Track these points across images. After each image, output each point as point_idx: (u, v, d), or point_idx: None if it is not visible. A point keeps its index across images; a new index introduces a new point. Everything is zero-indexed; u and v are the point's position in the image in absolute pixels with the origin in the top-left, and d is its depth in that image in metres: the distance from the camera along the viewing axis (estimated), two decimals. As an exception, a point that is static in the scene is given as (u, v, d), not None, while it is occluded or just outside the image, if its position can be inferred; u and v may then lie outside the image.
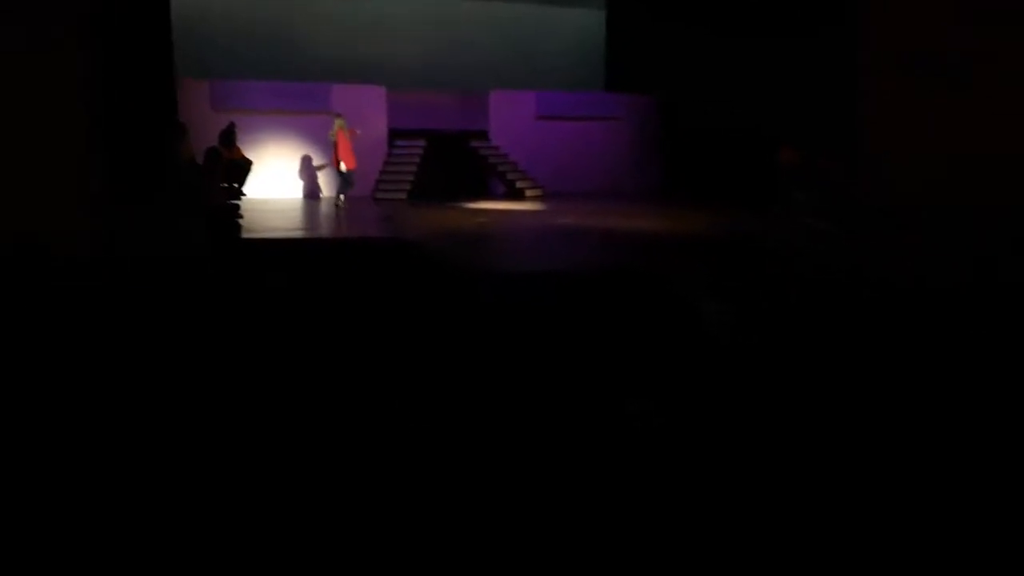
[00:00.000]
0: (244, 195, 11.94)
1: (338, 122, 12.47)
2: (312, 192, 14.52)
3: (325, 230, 10.14)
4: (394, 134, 14.88)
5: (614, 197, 15.10)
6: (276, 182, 14.29)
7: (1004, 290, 6.37)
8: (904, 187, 11.08)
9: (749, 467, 2.92)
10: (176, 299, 6.26)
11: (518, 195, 14.82)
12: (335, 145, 12.47)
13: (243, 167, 11.96)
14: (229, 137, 11.50)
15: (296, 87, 14.38)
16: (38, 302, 6.01)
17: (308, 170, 14.55)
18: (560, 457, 3.05)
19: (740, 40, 14.73)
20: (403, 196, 14.19)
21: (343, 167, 12.48)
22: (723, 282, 6.94)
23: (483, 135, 15.62)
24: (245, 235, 9.39)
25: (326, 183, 14.35)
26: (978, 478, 2.80)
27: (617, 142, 16.64)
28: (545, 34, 17.62)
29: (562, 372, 4.24)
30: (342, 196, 12.69)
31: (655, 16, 16.10)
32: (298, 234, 9.47)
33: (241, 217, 9.89)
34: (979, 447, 3.16)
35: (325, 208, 12.84)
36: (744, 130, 14.60)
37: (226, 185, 11.31)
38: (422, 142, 14.89)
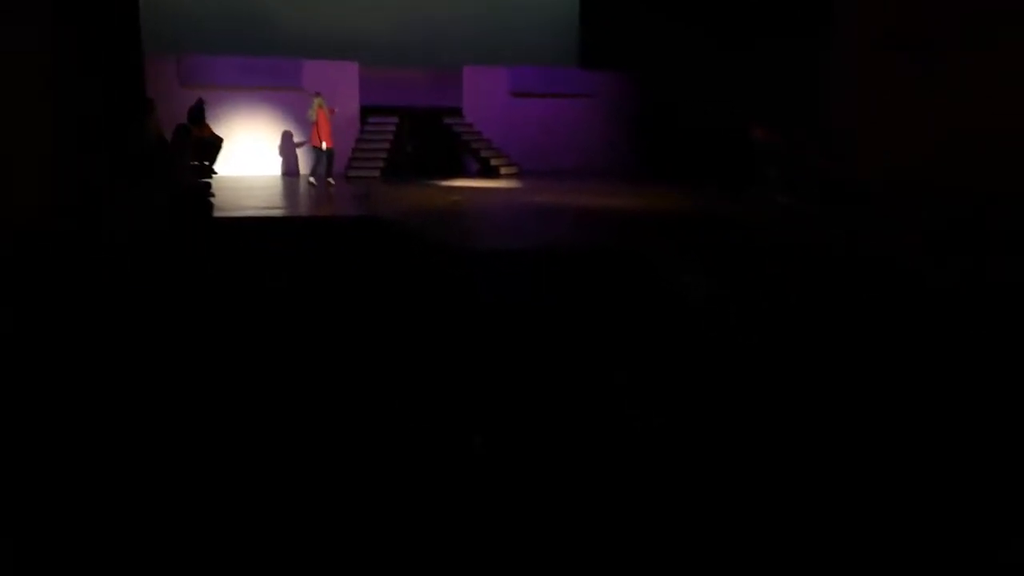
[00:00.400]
0: (215, 173, 11.75)
1: (317, 100, 12.27)
2: (290, 170, 14.35)
3: (297, 208, 10.03)
4: (367, 111, 14.71)
5: (588, 175, 15.10)
6: (248, 159, 14.08)
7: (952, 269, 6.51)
8: (871, 163, 11.26)
9: (740, 456, 2.96)
10: (136, 272, 6.18)
11: (492, 173, 14.75)
12: (314, 124, 12.28)
13: (213, 145, 11.76)
14: (198, 114, 11.30)
15: (267, 63, 14.13)
16: None
17: (287, 147, 14.35)
18: (548, 439, 3.07)
19: (714, 17, 14.75)
20: (376, 174, 14.06)
21: (324, 146, 12.30)
22: (697, 256, 7.02)
23: (457, 112, 15.50)
24: (217, 214, 9.26)
25: (304, 161, 14.19)
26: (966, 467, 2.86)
27: (591, 119, 16.61)
28: (518, 10, 17.46)
29: (544, 348, 4.26)
30: (312, 178, 12.52)
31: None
32: (271, 213, 9.36)
33: (212, 195, 9.75)
34: (948, 420, 3.23)
35: (300, 186, 12.70)
36: (718, 107, 14.65)
37: (196, 163, 11.13)
38: (395, 119, 14.74)
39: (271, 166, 14.36)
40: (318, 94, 12.46)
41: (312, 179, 12.52)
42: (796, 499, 2.57)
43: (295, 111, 14.10)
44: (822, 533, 2.31)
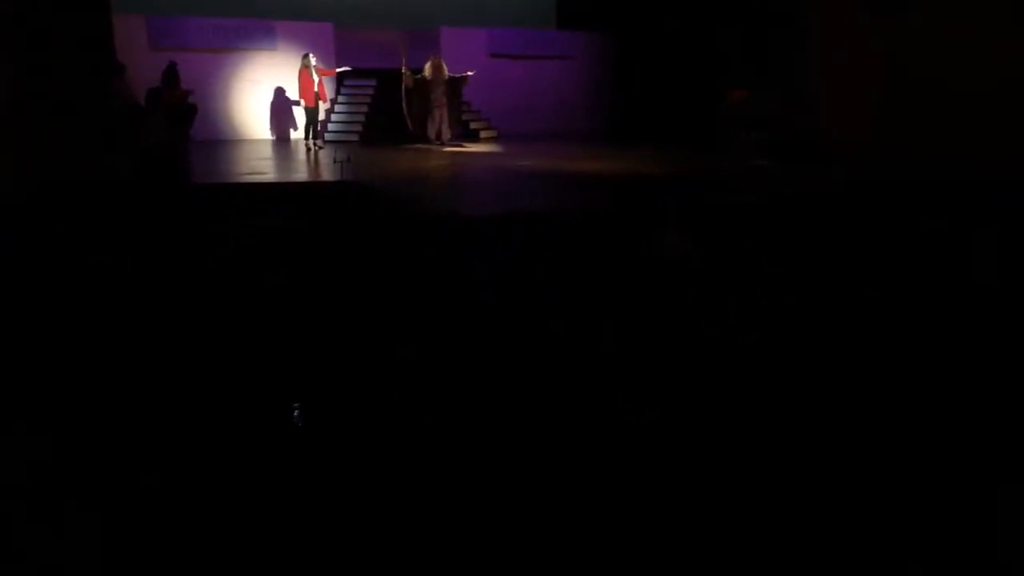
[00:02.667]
0: (191, 138, 11.51)
1: (303, 61, 12.07)
2: (268, 132, 14.13)
3: (277, 173, 9.87)
4: (343, 74, 14.44)
5: (568, 138, 15.01)
6: (224, 123, 13.81)
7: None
8: (843, 124, 11.31)
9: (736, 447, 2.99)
10: (104, 237, 6.10)
11: (472, 136, 14.60)
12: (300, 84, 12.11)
13: (186, 110, 11.48)
14: (170, 77, 10.99)
15: (239, 23, 13.79)
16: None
17: (263, 110, 14.08)
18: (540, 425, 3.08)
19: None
20: (355, 138, 13.87)
21: (302, 104, 12.17)
22: (676, 217, 7.05)
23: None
24: (193, 179, 9.10)
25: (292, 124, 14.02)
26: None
27: (570, 81, 16.47)
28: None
29: (535, 315, 4.26)
30: (312, 138, 12.29)
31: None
32: (247, 178, 9.20)
33: (183, 158, 9.57)
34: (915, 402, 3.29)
35: (286, 149, 12.53)
36: (695, 69, 14.60)
37: (170, 126, 10.87)
38: (373, 82, 14.50)
39: (249, 129, 14.10)
40: (306, 55, 12.23)
41: (310, 142, 12.28)
42: (794, 495, 2.61)
43: (270, 73, 13.83)
44: (820, 531, 2.34)
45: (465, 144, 13.62)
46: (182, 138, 10.89)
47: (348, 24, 14.71)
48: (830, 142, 11.33)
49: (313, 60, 12.13)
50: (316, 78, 12.03)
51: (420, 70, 12.99)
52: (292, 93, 13.26)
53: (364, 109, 14.30)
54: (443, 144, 13.07)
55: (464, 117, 14.85)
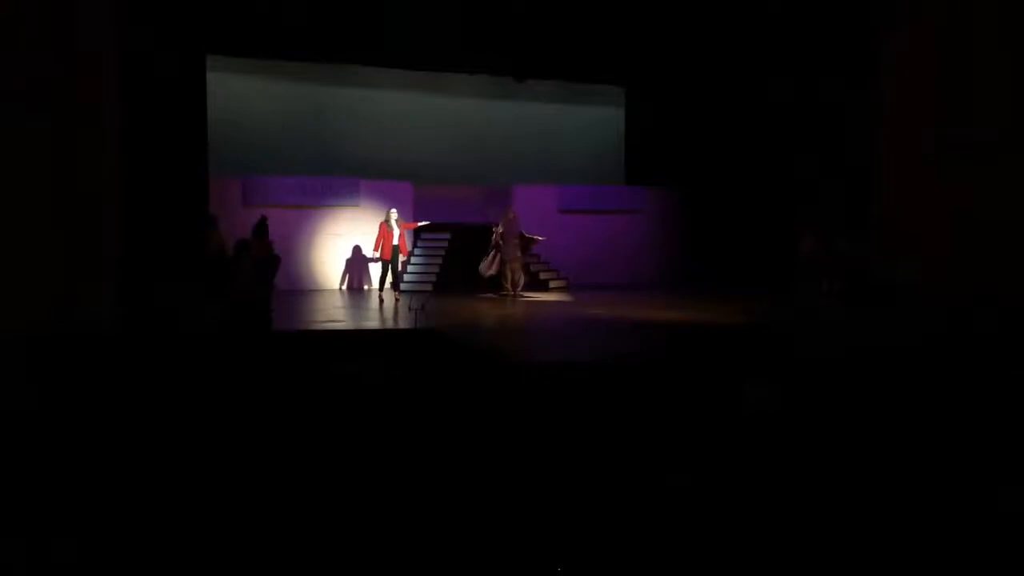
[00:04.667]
0: (274, 288, 12.00)
1: (386, 216, 12.66)
2: (349, 284, 14.68)
3: (354, 322, 10.14)
4: (420, 228, 15.10)
5: (638, 288, 15.11)
6: (307, 274, 14.45)
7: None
8: (925, 268, 11.06)
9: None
10: (189, 372, 6.26)
11: (542, 286, 14.85)
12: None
13: (269, 262, 12.05)
14: (260, 230, 11.66)
15: (324, 182, 14.72)
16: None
17: (346, 262, 14.72)
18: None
19: (755, 129, 15.10)
20: (429, 288, 14.27)
21: (377, 256, 12.64)
22: (763, 367, 6.83)
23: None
24: (277, 327, 9.41)
25: (369, 275, 14.56)
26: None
27: (638, 234, 16.79)
28: (566, 130, 18.11)
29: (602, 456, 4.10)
30: (387, 288, 12.58)
31: (672, 110, 16.57)
32: (331, 326, 9.47)
33: (271, 308, 9.94)
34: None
35: (362, 299, 12.92)
36: (765, 218, 14.76)
37: (257, 276, 11.39)
38: (448, 235, 15.07)
39: (329, 280, 14.68)
40: (390, 210, 12.83)
41: (383, 292, 12.62)
42: None
43: (352, 227, 14.54)
44: None
45: (534, 294, 13.83)
46: (267, 286, 11.37)
47: (426, 182, 15.52)
48: (909, 289, 11.05)
49: (395, 215, 12.66)
50: (396, 231, 12.48)
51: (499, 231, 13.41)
52: (370, 246, 13.74)
53: (439, 260, 14.79)
54: (516, 295, 13.30)
55: (533, 268, 15.19)
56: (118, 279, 8.86)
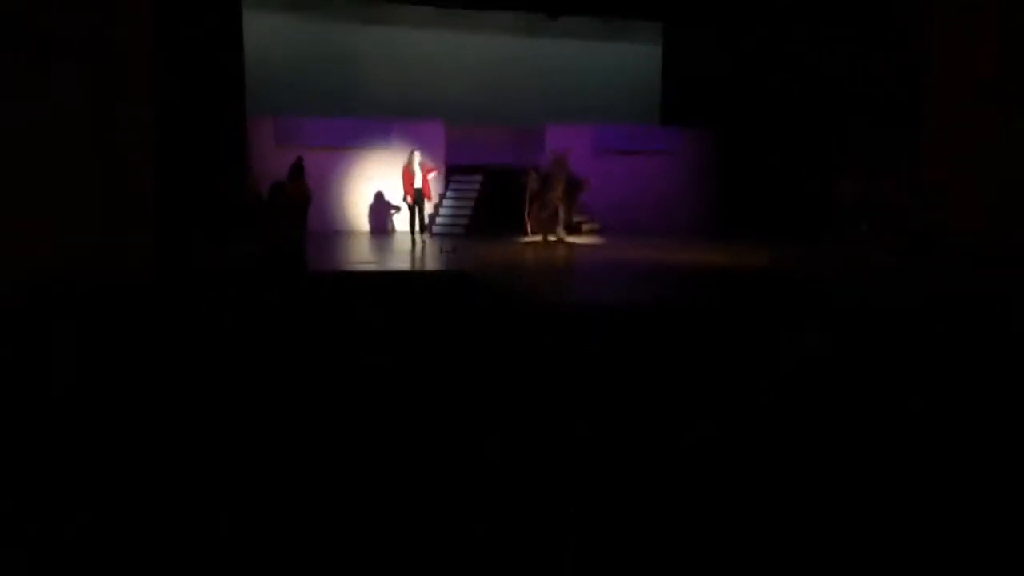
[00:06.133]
0: (306, 230, 12.06)
1: (408, 158, 12.36)
2: (378, 226, 14.65)
3: (386, 263, 10.18)
4: (452, 169, 14.97)
5: (672, 232, 14.93)
6: (340, 215, 14.50)
7: None
8: (966, 217, 10.69)
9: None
10: (228, 322, 6.35)
11: (575, 230, 14.71)
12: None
13: (304, 204, 12.07)
14: (296, 171, 11.67)
15: (357, 123, 14.63)
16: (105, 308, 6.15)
17: (377, 204, 14.69)
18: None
19: (795, 71, 14.56)
20: (461, 231, 14.23)
21: (407, 200, 12.33)
22: (816, 318, 6.69)
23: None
24: (311, 269, 9.48)
25: (399, 218, 14.38)
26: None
27: (674, 176, 16.48)
28: (600, 68, 17.64)
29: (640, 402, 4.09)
30: (420, 232, 12.26)
31: (711, 49, 16.04)
32: (361, 267, 9.52)
33: (304, 249, 10.01)
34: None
35: (390, 242, 12.92)
36: (802, 161, 14.36)
37: (291, 218, 11.45)
38: (480, 177, 14.95)
39: (359, 222, 14.72)
40: (412, 152, 12.54)
41: (414, 236, 12.27)
42: None
43: (383, 169, 14.47)
44: None
45: (569, 237, 13.73)
46: (300, 229, 11.43)
47: (457, 122, 15.32)
48: (949, 237, 10.72)
49: (418, 158, 12.30)
50: (419, 174, 12.17)
51: (545, 174, 12.72)
52: (398, 189, 13.47)
53: (471, 203, 14.71)
54: (554, 241, 12.86)
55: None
56: (156, 224, 8.99)
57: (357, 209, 14.71)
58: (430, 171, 12.85)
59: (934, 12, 11.51)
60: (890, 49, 12.58)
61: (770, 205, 14.93)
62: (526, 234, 12.96)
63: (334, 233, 14.01)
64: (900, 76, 12.35)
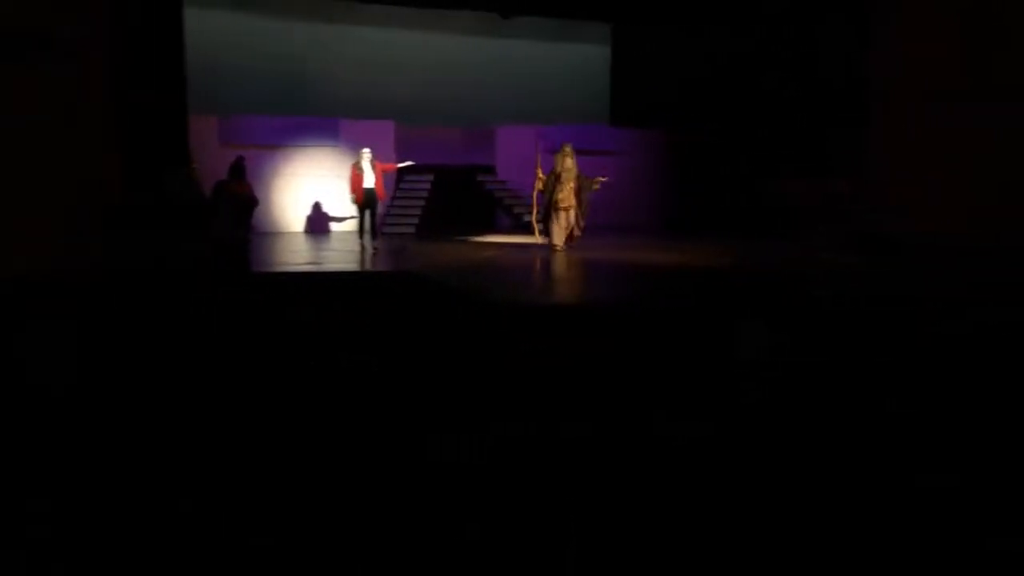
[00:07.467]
0: (251, 230, 11.80)
1: (357, 157, 11.78)
2: (326, 227, 14.44)
3: (334, 264, 10.02)
4: (402, 169, 14.83)
5: (623, 230, 15.02)
6: (286, 216, 14.25)
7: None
8: (918, 216, 10.92)
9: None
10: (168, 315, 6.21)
11: (525, 228, 14.71)
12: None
13: (247, 203, 11.78)
14: (237, 171, 11.40)
15: (303, 121, 14.41)
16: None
17: (325, 204, 14.49)
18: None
19: (744, 72, 14.80)
20: (411, 231, 14.11)
21: (352, 200, 11.75)
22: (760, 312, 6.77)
23: (491, 170, 15.59)
24: (256, 269, 9.29)
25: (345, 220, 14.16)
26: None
27: (624, 175, 16.58)
28: (551, 69, 17.69)
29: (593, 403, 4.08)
30: (366, 234, 11.48)
31: (659, 49, 16.21)
32: (309, 268, 9.36)
33: (247, 250, 9.81)
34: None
35: (336, 243, 12.74)
36: (753, 161, 14.59)
37: (231, 219, 11.21)
38: (430, 177, 14.85)
39: (306, 222, 14.50)
40: (363, 150, 11.92)
41: (362, 240, 11.52)
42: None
43: (332, 169, 14.28)
44: None
45: (519, 238, 13.72)
46: (245, 229, 11.19)
47: (407, 122, 15.20)
48: (908, 237, 10.83)
49: (367, 155, 11.60)
50: (371, 173, 11.42)
51: (553, 172, 11.50)
52: (345, 191, 12.89)
53: (421, 202, 14.60)
54: (569, 245, 11.55)
55: (516, 210, 15.01)
56: (107, 224, 8.85)
57: (302, 210, 14.50)
58: (388, 167, 12.30)
59: (888, 11, 11.72)
60: (841, 48, 12.84)
61: (721, 205, 15.13)
62: (540, 237, 11.89)
63: (278, 234, 13.78)
64: (850, 74, 12.61)
